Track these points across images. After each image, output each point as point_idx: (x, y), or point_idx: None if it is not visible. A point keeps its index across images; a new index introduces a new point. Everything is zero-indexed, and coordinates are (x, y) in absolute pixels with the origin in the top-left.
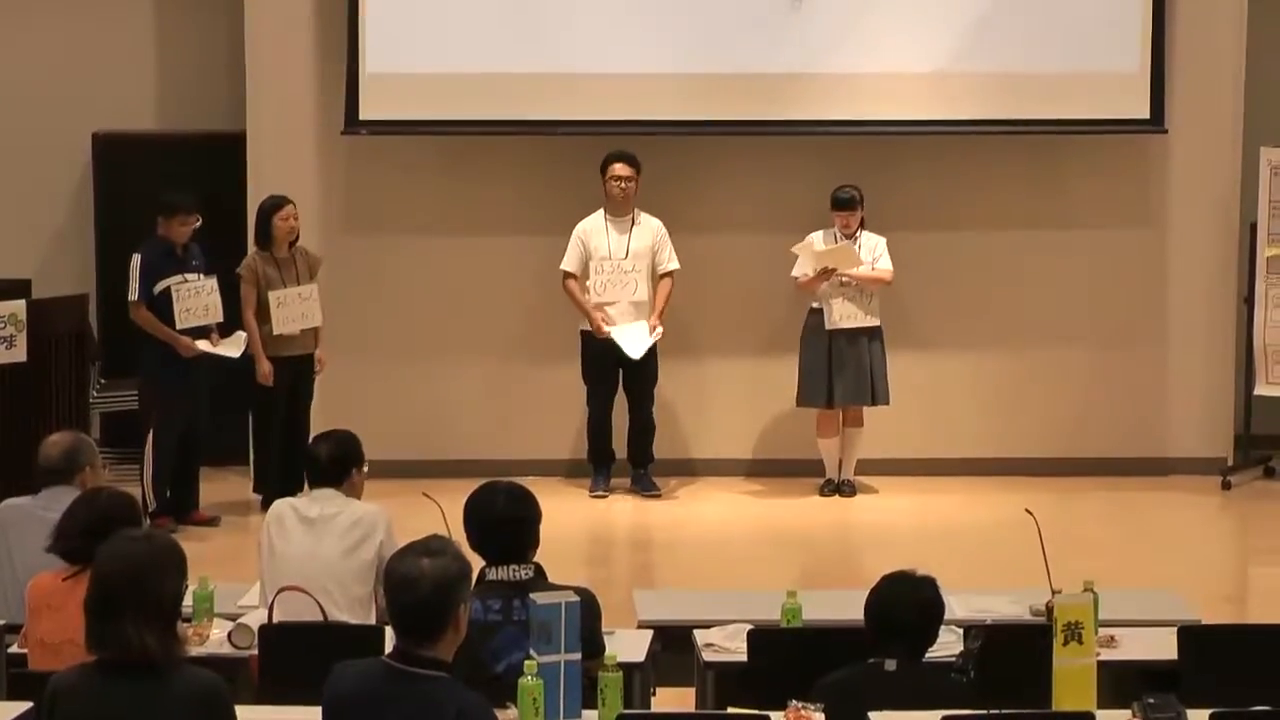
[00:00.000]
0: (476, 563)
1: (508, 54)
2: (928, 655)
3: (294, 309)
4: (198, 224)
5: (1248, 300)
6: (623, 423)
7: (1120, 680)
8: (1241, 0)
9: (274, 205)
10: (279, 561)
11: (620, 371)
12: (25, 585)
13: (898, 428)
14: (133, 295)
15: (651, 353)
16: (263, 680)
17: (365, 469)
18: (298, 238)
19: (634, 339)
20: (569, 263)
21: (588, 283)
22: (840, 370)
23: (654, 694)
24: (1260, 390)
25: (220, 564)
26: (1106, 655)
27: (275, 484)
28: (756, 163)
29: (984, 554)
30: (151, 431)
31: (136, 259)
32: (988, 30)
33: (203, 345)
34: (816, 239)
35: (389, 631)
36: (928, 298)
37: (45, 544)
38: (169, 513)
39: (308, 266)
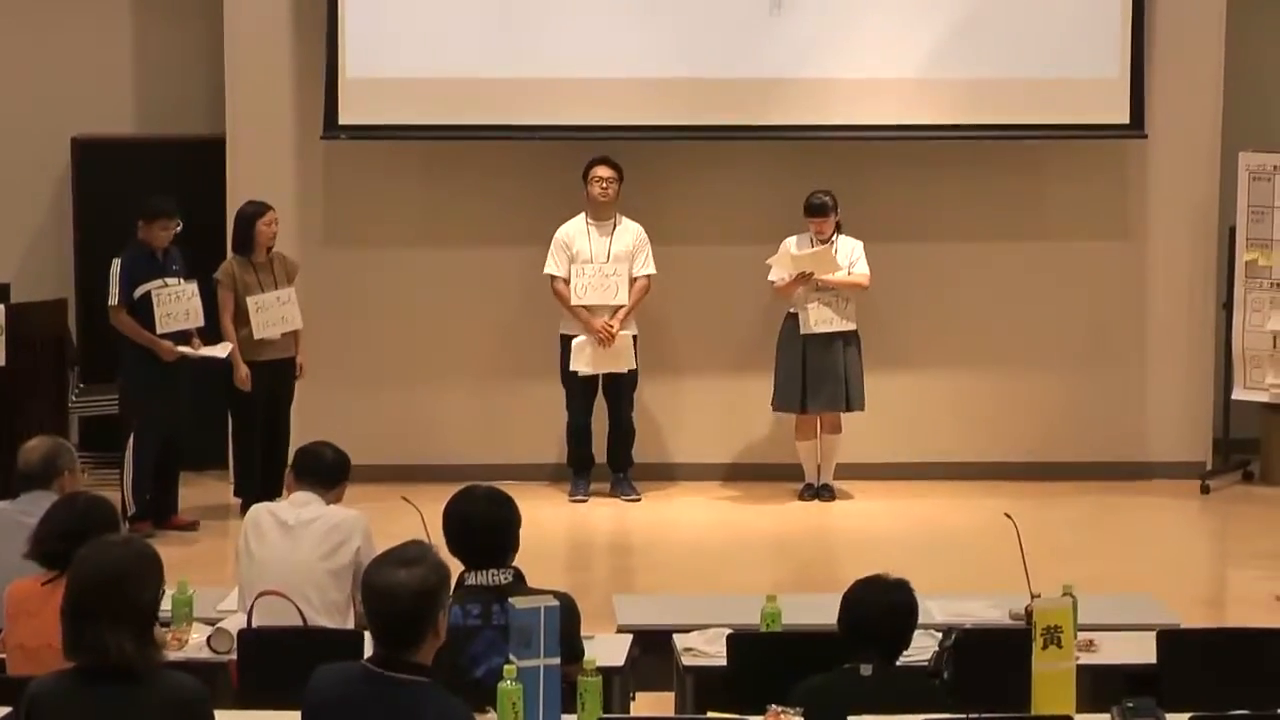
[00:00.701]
0: (456, 567)
1: (487, 58)
2: (905, 659)
3: (273, 313)
4: (178, 228)
5: (1226, 305)
6: (602, 428)
7: (1099, 684)
8: (1220, 4)
9: (256, 211)
10: (256, 566)
11: (600, 377)
12: (3, 590)
13: (877, 433)
14: (113, 300)
15: (631, 356)
16: (242, 685)
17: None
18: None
19: (616, 358)
20: (556, 267)
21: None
22: (814, 376)
23: (633, 699)
24: (1239, 394)
25: (200, 568)
26: (1086, 659)
27: (255, 488)
28: (736, 168)
29: (963, 558)
30: (132, 436)
31: (117, 263)
32: (968, 36)
33: (185, 350)
34: (791, 244)
35: (368, 636)
36: (908, 303)
37: (23, 550)
38: (149, 517)
39: (285, 271)
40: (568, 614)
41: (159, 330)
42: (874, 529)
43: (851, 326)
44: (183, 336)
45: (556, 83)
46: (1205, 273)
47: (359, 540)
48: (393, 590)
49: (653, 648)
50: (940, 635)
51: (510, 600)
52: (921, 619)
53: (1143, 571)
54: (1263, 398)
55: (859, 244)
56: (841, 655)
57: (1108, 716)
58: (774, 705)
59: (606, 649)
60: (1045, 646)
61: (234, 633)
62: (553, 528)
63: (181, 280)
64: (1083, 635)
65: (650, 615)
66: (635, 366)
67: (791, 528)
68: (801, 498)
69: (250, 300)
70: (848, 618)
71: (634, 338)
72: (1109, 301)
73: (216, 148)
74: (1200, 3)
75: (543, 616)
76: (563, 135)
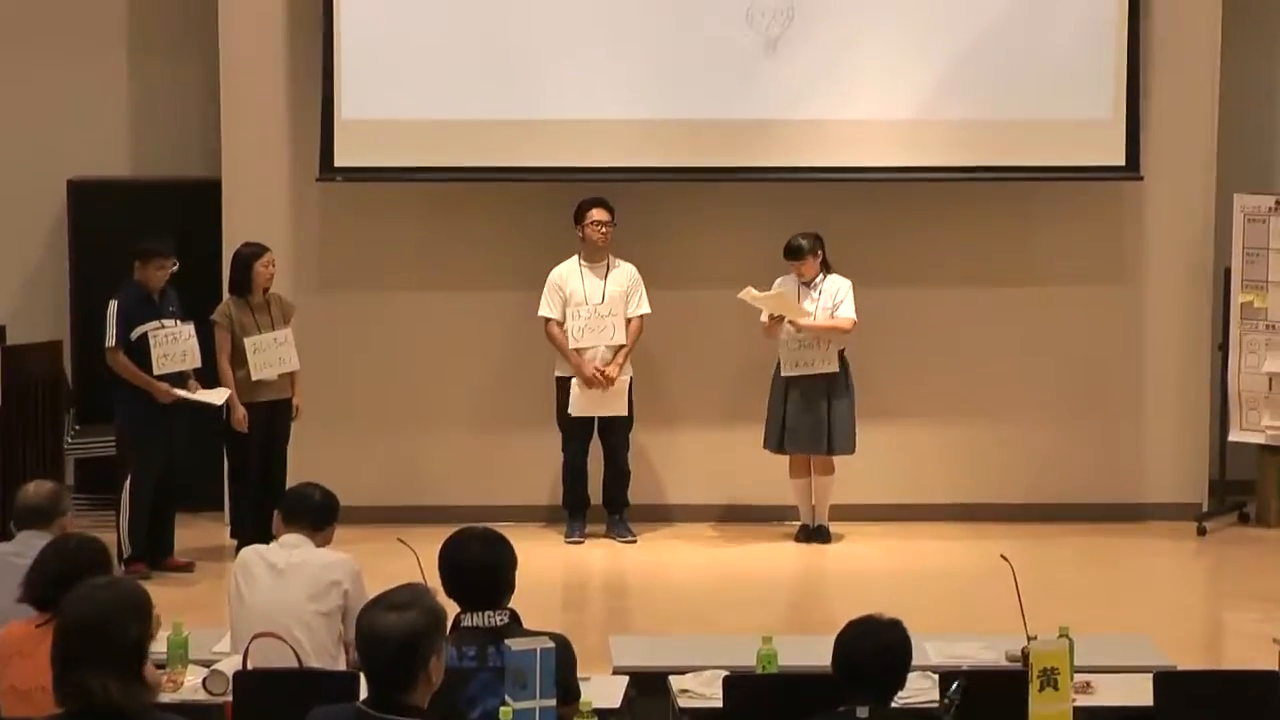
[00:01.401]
0: (452, 609)
1: (482, 100)
2: (902, 700)
3: (271, 354)
4: (174, 269)
5: (1222, 347)
6: (598, 469)
7: None
8: (1214, 45)
9: (254, 252)
10: (246, 609)
11: (596, 419)
12: None
13: (871, 474)
14: (110, 341)
15: (626, 399)
16: None
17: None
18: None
19: (612, 401)
20: (550, 309)
21: (564, 328)
22: (794, 418)
23: None
24: (1235, 436)
25: (196, 610)
26: (1082, 701)
27: (251, 529)
28: (730, 209)
29: (959, 600)
30: (128, 477)
31: (113, 305)
32: (963, 77)
33: (182, 394)
34: (776, 285)
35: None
36: (903, 345)
37: (17, 594)
38: (144, 558)
39: (282, 312)
40: (564, 655)
41: (156, 371)
42: (869, 570)
43: (831, 369)
44: (180, 378)
45: (550, 124)
46: (1200, 315)
47: (348, 583)
48: (382, 634)
49: (649, 689)
50: (937, 678)
51: (506, 642)
52: (917, 660)
53: (1139, 613)
54: (1259, 439)
55: (846, 284)
56: (838, 697)
57: None
58: None
59: (602, 690)
60: (1042, 688)
61: (229, 674)
62: (548, 569)
63: (178, 321)
64: (1079, 677)
65: (646, 657)
66: (627, 413)
67: (787, 569)
68: (798, 540)
69: (248, 341)
70: (841, 658)
71: (630, 379)
72: (1104, 343)
73: (212, 190)
74: (1194, 44)
75: (539, 658)
76: (557, 177)
